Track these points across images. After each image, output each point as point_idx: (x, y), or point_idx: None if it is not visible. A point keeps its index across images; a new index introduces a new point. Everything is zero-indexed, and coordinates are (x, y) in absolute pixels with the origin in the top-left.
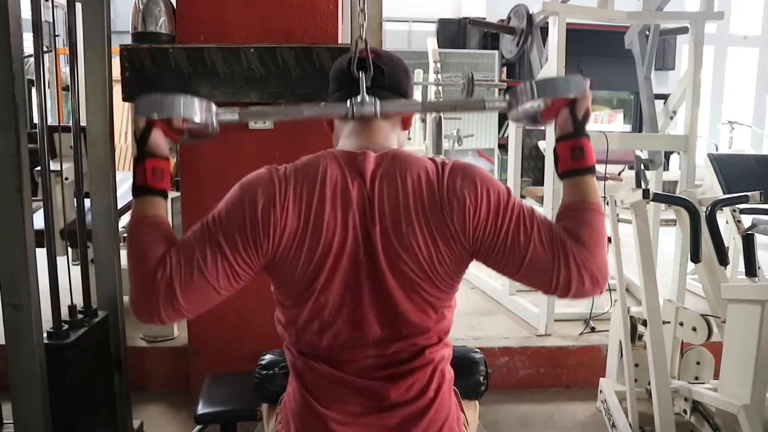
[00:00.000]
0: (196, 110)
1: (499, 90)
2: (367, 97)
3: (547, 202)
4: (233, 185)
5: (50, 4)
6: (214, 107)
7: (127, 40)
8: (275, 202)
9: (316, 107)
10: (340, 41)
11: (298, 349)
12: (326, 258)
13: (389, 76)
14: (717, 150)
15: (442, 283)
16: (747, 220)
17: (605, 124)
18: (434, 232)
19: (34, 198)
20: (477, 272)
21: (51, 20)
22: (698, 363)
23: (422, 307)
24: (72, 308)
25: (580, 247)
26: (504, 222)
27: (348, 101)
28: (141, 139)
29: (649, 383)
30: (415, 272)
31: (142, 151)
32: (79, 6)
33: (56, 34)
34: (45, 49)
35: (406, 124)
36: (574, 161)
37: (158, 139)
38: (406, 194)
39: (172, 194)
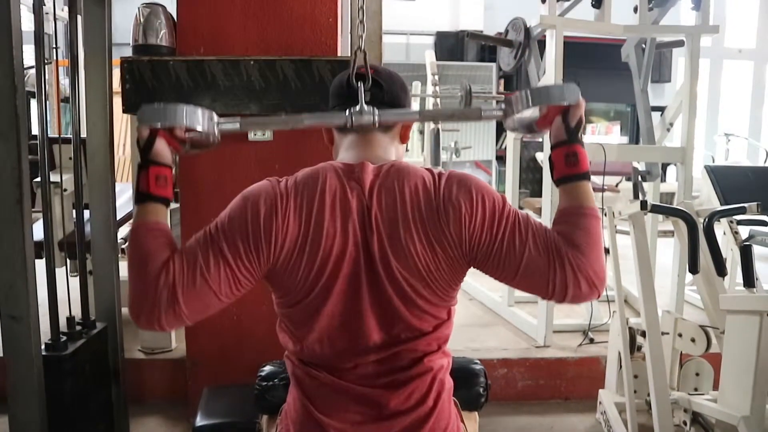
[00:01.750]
0: (199, 119)
1: (497, 102)
2: (365, 107)
3: (545, 213)
4: (232, 196)
5: (51, 17)
6: (215, 117)
7: (127, 52)
8: (277, 210)
9: (316, 116)
10: (339, 54)
11: (299, 357)
12: (326, 265)
13: (388, 92)
14: (713, 162)
15: (440, 290)
16: (744, 232)
17: (602, 135)
18: (432, 239)
19: (33, 209)
20: (475, 284)
21: (51, 32)
22: (697, 374)
23: (421, 315)
24: (70, 320)
25: (574, 251)
26: (499, 229)
27: (347, 111)
28: (145, 147)
29: (648, 394)
30: (412, 280)
31: (146, 159)
32: (80, 18)
33: (56, 46)
34: (45, 60)
35: (404, 137)
36: (569, 168)
37: (161, 147)
38: (404, 203)
39: (172, 205)
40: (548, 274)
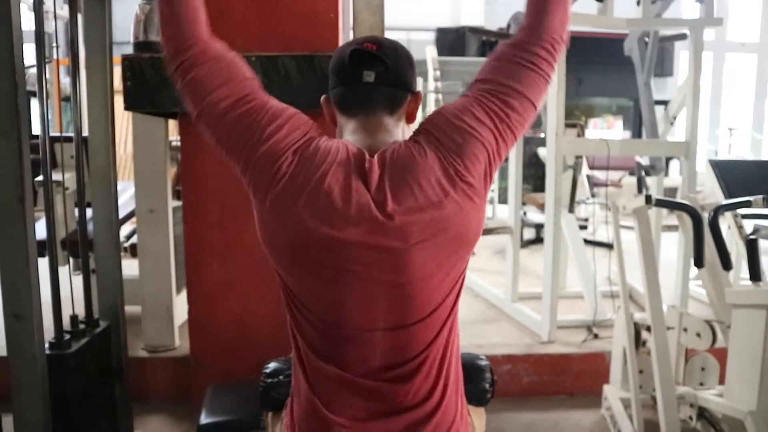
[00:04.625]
0: None
1: None
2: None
3: (548, 208)
4: (234, 193)
5: (50, 16)
6: None
7: (127, 50)
8: (276, 160)
9: None
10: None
11: (306, 342)
12: (309, 249)
13: (393, 71)
14: (716, 155)
15: (469, 246)
16: (748, 226)
17: (605, 130)
18: (464, 200)
19: (35, 208)
20: (479, 280)
21: (51, 31)
22: (703, 369)
23: (435, 298)
24: (74, 318)
25: (535, 32)
26: (499, 110)
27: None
28: None
29: (653, 390)
30: (439, 251)
31: None
32: (80, 17)
33: (56, 44)
34: (45, 59)
35: (410, 118)
36: None
37: None
38: (423, 189)
39: (174, 203)
40: (539, 70)
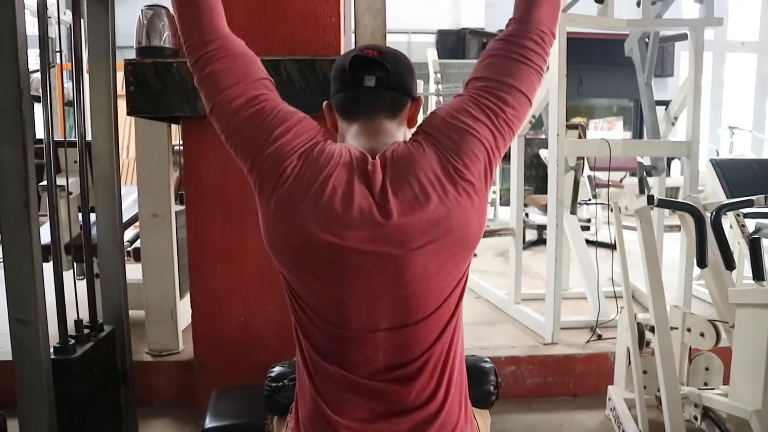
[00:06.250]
0: None
1: None
2: None
3: (550, 209)
4: (237, 194)
5: (54, 21)
6: None
7: (130, 55)
8: (282, 163)
9: None
10: (342, 53)
11: (310, 344)
12: (312, 251)
13: (394, 76)
14: (717, 155)
15: (471, 246)
16: (751, 225)
17: (605, 131)
18: (464, 198)
19: (39, 213)
20: (482, 282)
21: (54, 36)
22: (707, 369)
23: (437, 298)
24: (78, 323)
25: (523, 25)
26: (494, 106)
27: None
28: None
29: (658, 390)
30: (438, 257)
31: None
32: (83, 22)
33: (59, 49)
34: (49, 64)
35: (411, 122)
36: None
37: None
38: (423, 188)
39: (177, 208)
40: (530, 56)
